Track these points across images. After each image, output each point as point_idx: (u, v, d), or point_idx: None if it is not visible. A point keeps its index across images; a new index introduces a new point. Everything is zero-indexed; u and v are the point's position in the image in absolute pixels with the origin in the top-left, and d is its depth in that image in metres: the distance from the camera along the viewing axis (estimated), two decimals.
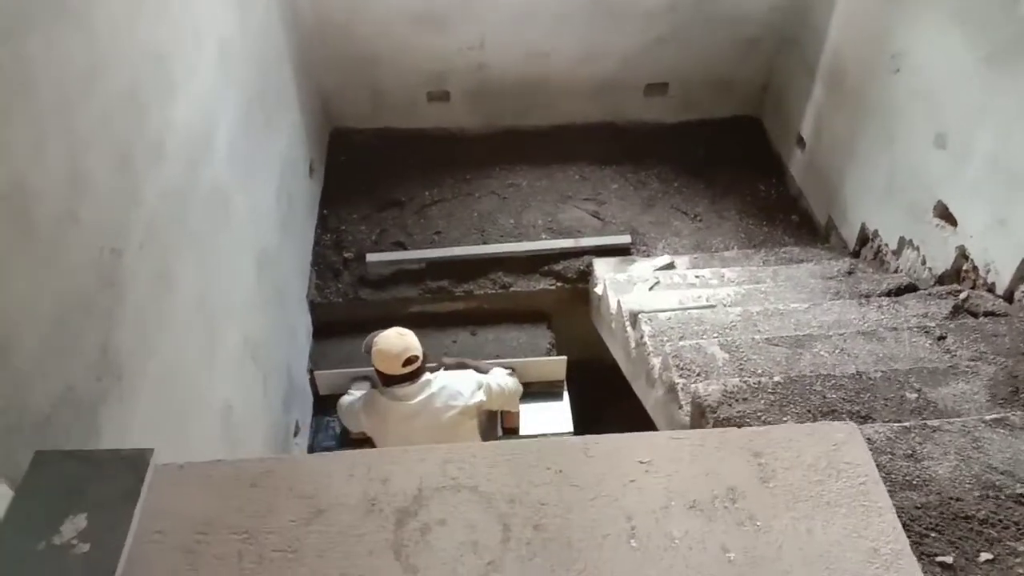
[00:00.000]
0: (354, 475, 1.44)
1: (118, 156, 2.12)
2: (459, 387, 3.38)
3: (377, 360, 3.30)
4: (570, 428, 4.17)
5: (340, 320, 4.39)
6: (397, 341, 3.28)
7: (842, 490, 1.42)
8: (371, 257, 4.44)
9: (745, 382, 2.51)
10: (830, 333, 2.94)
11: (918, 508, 1.75)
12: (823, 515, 1.39)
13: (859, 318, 3.18)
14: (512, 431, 4.12)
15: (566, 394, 4.32)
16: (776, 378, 2.54)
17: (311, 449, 4.05)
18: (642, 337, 3.19)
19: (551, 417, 4.23)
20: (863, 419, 2.36)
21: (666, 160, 5.12)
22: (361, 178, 4.92)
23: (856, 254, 4.16)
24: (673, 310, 3.38)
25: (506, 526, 1.36)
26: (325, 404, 4.22)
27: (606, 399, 4.32)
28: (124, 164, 2.15)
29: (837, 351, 2.83)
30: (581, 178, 5.02)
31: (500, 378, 3.61)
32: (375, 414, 3.35)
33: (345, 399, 3.52)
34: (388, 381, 3.33)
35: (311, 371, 4.20)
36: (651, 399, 3.10)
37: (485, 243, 4.56)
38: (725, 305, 3.49)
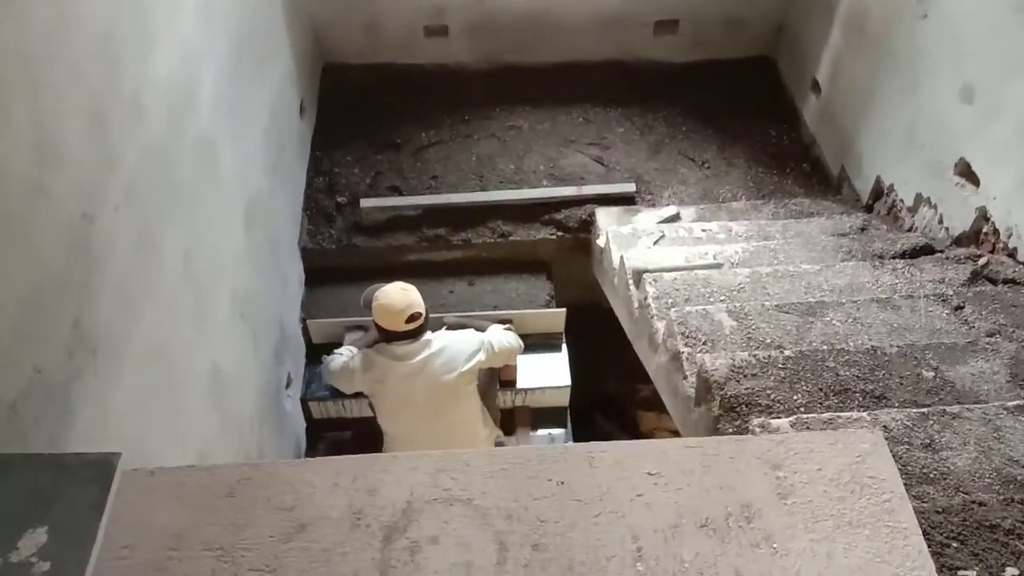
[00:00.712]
0: (339, 484, 1.33)
1: (90, 115, 1.95)
2: (460, 348, 3.28)
3: (379, 315, 3.19)
4: (568, 381, 4.09)
5: (333, 267, 4.26)
6: (400, 297, 3.16)
7: (865, 508, 1.32)
8: (365, 203, 4.28)
9: (754, 356, 2.40)
10: (843, 300, 2.82)
11: (939, 512, 1.65)
12: (845, 537, 1.29)
13: (872, 282, 3.06)
14: (509, 383, 4.04)
15: (564, 346, 4.23)
16: (787, 352, 2.42)
17: (304, 400, 3.97)
18: (646, 298, 3.06)
19: (549, 369, 4.14)
20: (877, 399, 2.26)
21: (674, 102, 4.91)
22: (355, 117, 4.71)
23: (869, 208, 4.01)
24: (678, 269, 3.25)
25: (502, 545, 1.26)
26: (319, 353, 4.10)
27: (606, 347, 4.23)
28: (97, 123, 1.98)
29: (850, 320, 2.71)
30: (585, 120, 4.82)
31: (500, 336, 3.50)
32: (373, 371, 3.25)
33: (334, 361, 3.39)
34: (389, 337, 3.23)
35: (304, 320, 4.08)
36: (653, 364, 3.00)
37: (484, 189, 4.39)
38: (733, 264, 3.35)
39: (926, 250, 3.31)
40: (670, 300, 3.01)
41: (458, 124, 4.74)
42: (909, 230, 3.64)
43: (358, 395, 3.89)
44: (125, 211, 2.10)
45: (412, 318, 3.16)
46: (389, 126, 4.70)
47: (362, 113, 4.74)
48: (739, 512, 1.31)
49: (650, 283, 3.08)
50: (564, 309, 4.15)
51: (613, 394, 5.41)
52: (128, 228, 2.12)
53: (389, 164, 4.53)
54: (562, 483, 1.34)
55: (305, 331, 4.10)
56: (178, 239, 2.47)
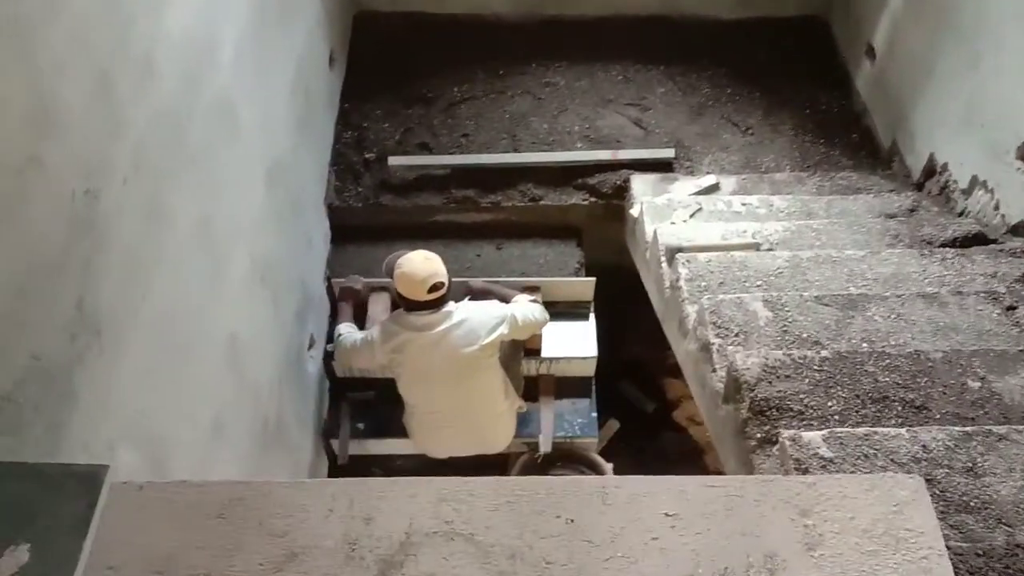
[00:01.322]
0: (334, 510, 1.26)
1: (94, 80, 1.85)
2: (482, 320, 3.20)
3: (400, 284, 3.13)
4: (594, 352, 3.99)
5: (360, 225, 4.17)
6: (423, 266, 3.09)
7: (900, 565, 1.22)
8: (393, 160, 4.16)
9: (789, 356, 2.27)
10: (886, 293, 2.67)
11: (980, 555, 1.55)
12: None
13: (919, 272, 2.89)
14: (534, 352, 3.95)
15: (592, 315, 4.12)
16: (824, 352, 2.30)
17: (326, 360, 3.92)
18: (678, 280, 2.93)
19: (575, 339, 4.04)
20: (917, 409, 2.13)
21: (720, 62, 4.67)
22: (386, 69, 4.55)
23: (920, 186, 3.80)
24: (714, 249, 3.11)
25: None
26: None
27: (634, 310, 4.13)
28: (102, 89, 1.88)
29: (893, 316, 2.57)
30: (625, 79, 4.61)
31: (525, 309, 3.40)
32: (392, 342, 3.19)
33: (347, 338, 3.33)
34: (409, 307, 3.16)
35: (329, 279, 4.01)
36: (682, 350, 2.88)
37: (516, 150, 4.25)
38: (772, 243, 3.20)
39: (979, 239, 3.13)
40: (703, 283, 2.89)
41: (492, 79, 4.57)
42: (961, 214, 3.44)
43: None
44: (134, 182, 2.01)
45: (434, 288, 3.09)
46: (421, 79, 4.54)
47: (393, 65, 4.58)
48: (762, 563, 1.21)
49: (683, 264, 2.95)
50: (594, 279, 4.04)
51: (640, 359, 5.31)
52: (137, 199, 2.04)
53: (419, 119, 4.39)
54: (571, 521, 1.25)
55: (330, 290, 4.03)
56: (193, 206, 2.39)
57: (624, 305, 4.21)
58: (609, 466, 3.93)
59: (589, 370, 4.06)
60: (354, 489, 1.28)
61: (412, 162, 4.18)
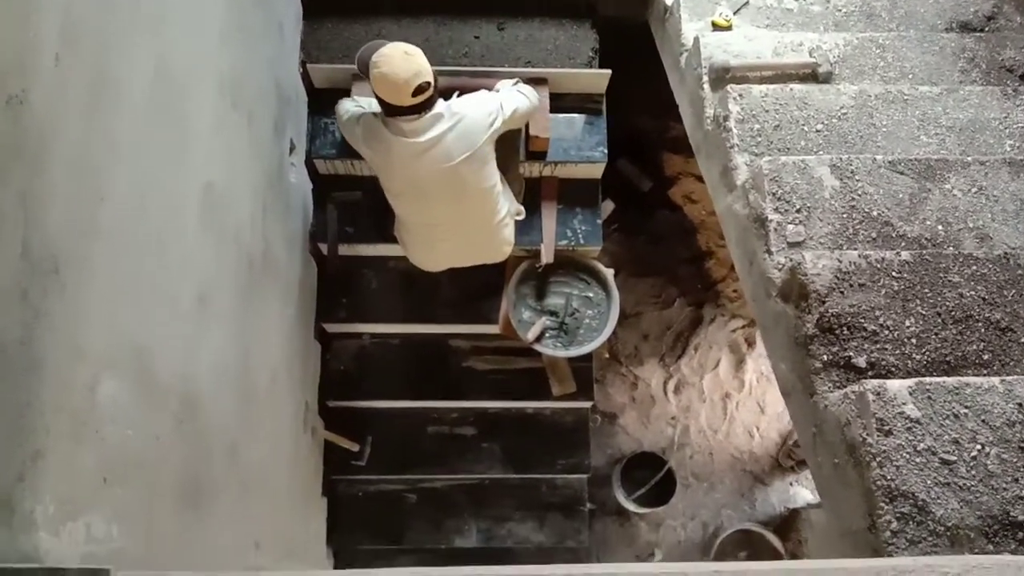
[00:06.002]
0: None
1: None
2: (475, 119, 2.81)
3: (378, 86, 2.66)
4: (604, 156, 3.61)
5: None
6: (404, 65, 2.61)
7: None
8: None
9: (865, 259, 1.98)
10: (967, 158, 2.33)
11: None
12: None
13: (1000, 120, 2.53)
14: (539, 155, 3.57)
15: (604, 110, 3.68)
16: (903, 255, 2.01)
17: (309, 159, 3.51)
18: (727, 118, 2.52)
19: (584, 138, 3.63)
20: (1002, 331, 1.92)
21: None
22: None
23: None
24: (766, 70, 2.67)
25: None
26: (321, 100, 3.56)
27: (639, 71, 3.71)
28: None
29: (974, 191, 2.26)
30: None
31: (515, 97, 3.00)
32: (377, 144, 2.83)
33: (345, 108, 2.97)
34: (391, 111, 2.73)
35: (303, 63, 3.46)
36: (723, 203, 2.56)
37: None
38: (831, 63, 2.75)
39: None
40: (756, 125, 2.50)
41: None
42: None
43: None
44: (70, 54, 1.51)
45: (419, 89, 2.64)
46: None
47: None
48: None
49: (734, 99, 2.52)
50: (609, 71, 3.54)
51: (641, 130, 4.94)
52: (78, 76, 1.54)
53: None
54: None
55: (305, 76, 3.49)
56: (146, 53, 1.87)
57: (627, 66, 3.73)
58: (610, 272, 3.76)
59: (597, 173, 3.72)
60: None
61: None
